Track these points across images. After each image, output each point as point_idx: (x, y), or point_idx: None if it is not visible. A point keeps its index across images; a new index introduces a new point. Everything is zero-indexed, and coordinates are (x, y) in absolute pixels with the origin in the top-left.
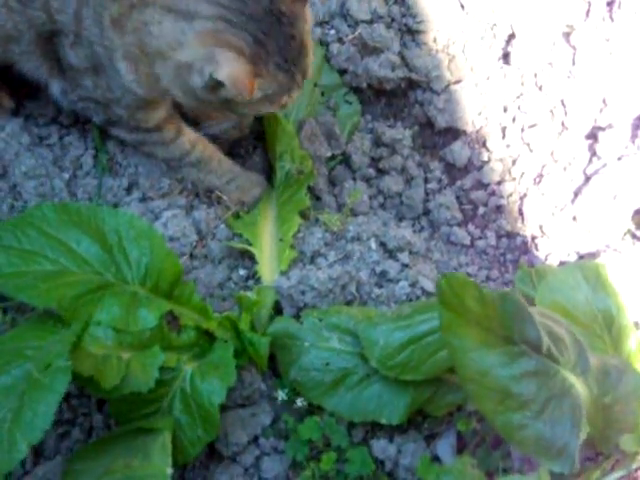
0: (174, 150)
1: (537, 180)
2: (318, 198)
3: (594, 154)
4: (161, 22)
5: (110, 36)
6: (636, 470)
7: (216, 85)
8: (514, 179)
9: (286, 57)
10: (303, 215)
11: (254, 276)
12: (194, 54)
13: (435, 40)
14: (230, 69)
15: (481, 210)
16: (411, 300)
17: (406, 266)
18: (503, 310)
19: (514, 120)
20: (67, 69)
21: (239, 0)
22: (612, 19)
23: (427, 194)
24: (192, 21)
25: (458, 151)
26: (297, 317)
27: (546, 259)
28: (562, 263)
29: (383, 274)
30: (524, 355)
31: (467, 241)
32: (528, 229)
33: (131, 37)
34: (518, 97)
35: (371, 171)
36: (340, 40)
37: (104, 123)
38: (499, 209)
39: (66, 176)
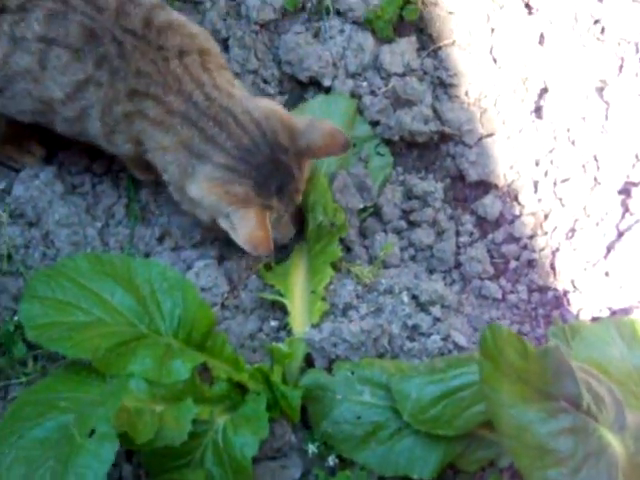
0: None
1: (569, 235)
2: (349, 249)
3: (627, 210)
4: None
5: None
6: None
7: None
8: (546, 233)
9: (284, 194)
10: (335, 267)
11: (285, 327)
12: (202, 198)
13: (467, 93)
14: (246, 231)
15: (513, 264)
16: (443, 354)
17: (438, 320)
18: (545, 365)
19: (546, 174)
20: None
21: (246, 150)
22: None
23: (458, 247)
24: (202, 164)
25: (490, 204)
26: (329, 369)
27: (578, 314)
28: (594, 318)
29: (415, 327)
30: (563, 411)
31: (499, 295)
32: (560, 284)
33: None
34: (550, 151)
35: (402, 223)
36: (373, 92)
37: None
38: (531, 263)
39: (98, 225)
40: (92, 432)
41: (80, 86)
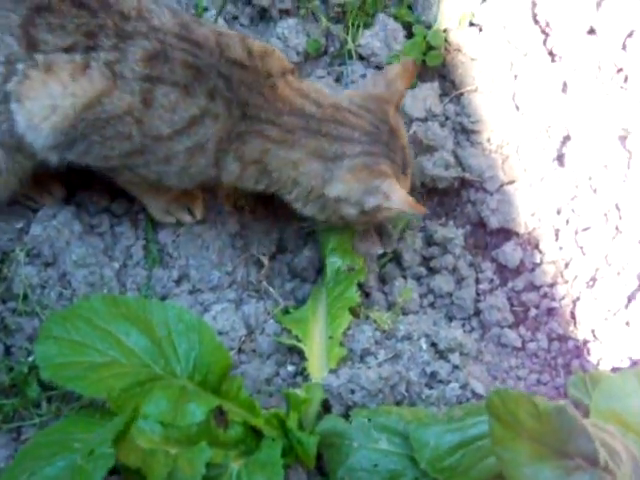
0: None
1: (590, 284)
2: (368, 295)
3: None
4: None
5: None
6: None
7: (375, 211)
8: (567, 282)
9: (405, 172)
10: (353, 312)
11: (302, 373)
12: (350, 190)
13: (489, 140)
14: (399, 195)
15: (533, 312)
16: (461, 402)
17: (457, 367)
18: (558, 424)
19: (567, 222)
20: None
21: (372, 133)
22: None
23: (478, 294)
24: (340, 162)
25: (510, 252)
26: (346, 416)
27: (598, 364)
28: (615, 368)
29: (433, 375)
30: (579, 469)
31: (518, 343)
32: (580, 333)
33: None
34: (572, 199)
35: (422, 270)
36: None
37: None
38: (551, 312)
39: (116, 266)
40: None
41: (195, 120)
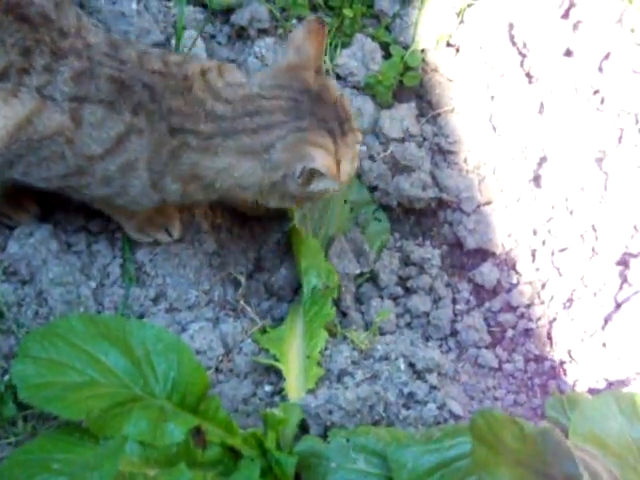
0: None
1: (567, 305)
2: (345, 315)
3: (625, 280)
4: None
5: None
6: None
7: (309, 180)
8: (543, 303)
9: (344, 131)
10: (330, 332)
11: (280, 392)
12: (286, 166)
13: (466, 160)
14: (322, 159)
15: (509, 333)
16: (439, 423)
17: (434, 388)
18: (542, 447)
19: (544, 243)
20: None
21: (293, 109)
22: None
23: (455, 315)
24: (273, 148)
25: (487, 273)
26: (324, 436)
27: (574, 385)
28: (591, 389)
29: (411, 395)
30: None
31: (495, 364)
32: (557, 354)
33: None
34: (548, 220)
35: (399, 290)
36: (371, 157)
37: None
38: (528, 333)
39: (93, 284)
40: None
41: (122, 138)
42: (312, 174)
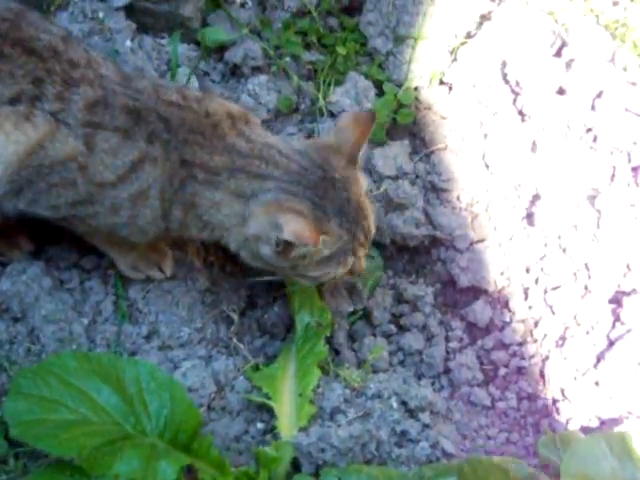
0: None
1: (559, 343)
2: (338, 352)
3: (617, 319)
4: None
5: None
6: None
7: (284, 248)
8: (536, 341)
9: (346, 218)
10: (323, 369)
11: (272, 430)
12: (261, 226)
13: (459, 198)
14: (293, 226)
15: (502, 371)
16: (431, 461)
17: (427, 426)
18: None
19: (537, 281)
20: None
21: (296, 173)
22: (637, 184)
23: (448, 353)
24: (256, 198)
25: (480, 310)
26: (316, 474)
27: (567, 423)
28: (584, 428)
29: (404, 434)
30: None
31: (487, 402)
32: (550, 392)
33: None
34: (541, 258)
35: (392, 327)
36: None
37: None
38: (520, 371)
39: (85, 321)
40: None
41: (136, 165)
42: (288, 243)
